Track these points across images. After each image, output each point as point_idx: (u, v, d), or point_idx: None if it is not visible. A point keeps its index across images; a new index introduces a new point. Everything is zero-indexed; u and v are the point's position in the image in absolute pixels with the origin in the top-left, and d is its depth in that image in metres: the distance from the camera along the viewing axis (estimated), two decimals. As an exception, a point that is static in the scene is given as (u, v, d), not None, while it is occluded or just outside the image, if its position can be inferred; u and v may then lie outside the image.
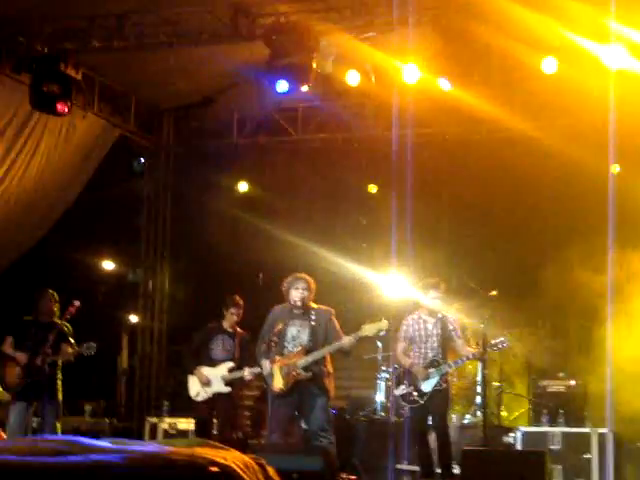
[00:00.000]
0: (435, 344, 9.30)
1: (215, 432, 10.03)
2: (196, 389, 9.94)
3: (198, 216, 14.07)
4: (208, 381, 9.89)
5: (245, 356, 9.92)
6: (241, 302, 10.14)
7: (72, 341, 9.82)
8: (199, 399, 9.94)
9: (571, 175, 12.03)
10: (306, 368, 8.78)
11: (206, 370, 9.92)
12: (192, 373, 9.97)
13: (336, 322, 8.98)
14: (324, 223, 13.60)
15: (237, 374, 9.89)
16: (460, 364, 9.38)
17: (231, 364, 9.94)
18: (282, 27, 10.31)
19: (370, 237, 13.30)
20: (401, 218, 11.98)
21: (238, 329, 10.14)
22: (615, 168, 11.34)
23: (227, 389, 9.91)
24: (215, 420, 10.07)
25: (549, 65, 10.74)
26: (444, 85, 11.54)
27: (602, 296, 10.35)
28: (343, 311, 9.92)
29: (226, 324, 10.11)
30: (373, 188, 13.66)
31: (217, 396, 9.91)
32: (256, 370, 9.59)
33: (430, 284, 9.51)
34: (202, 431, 9.85)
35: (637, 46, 10.17)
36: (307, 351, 8.80)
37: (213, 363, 9.97)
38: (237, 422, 10.86)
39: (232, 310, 10.08)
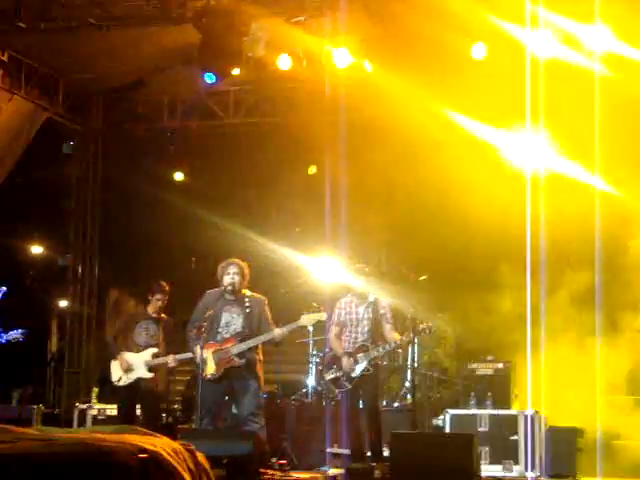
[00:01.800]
0: (366, 328, 9.35)
1: (140, 417, 10.01)
2: (118, 374, 9.88)
3: (128, 200, 13.95)
4: (130, 367, 9.82)
5: (169, 342, 9.89)
6: (167, 288, 10.07)
7: None
8: (121, 384, 9.88)
9: (499, 160, 12.17)
10: (239, 355, 8.79)
11: (129, 356, 9.84)
12: (114, 358, 9.91)
13: (268, 311, 8.99)
14: (258, 208, 13.59)
15: (161, 360, 9.83)
16: (388, 350, 9.43)
17: (155, 350, 9.87)
18: (212, 10, 10.25)
19: (304, 222, 13.31)
20: (334, 203, 12.02)
21: (163, 315, 10.08)
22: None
23: (150, 375, 9.83)
24: (138, 405, 10.02)
25: (478, 51, 10.83)
26: (367, 67, 11.50)
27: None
28: (277, 296, 9.94)
29: (151, 310, 10.03)
30: (313, 169, 13.61)
31: (139, 381, 9.85)
32: (181, 356, 9.58)
33: (358, 269, 9.58)
34: (126, 417, 9.79)
35: (564, 32, 10.31)
36: (240, 338, 8.80)
37: (137, 349, 9.91)
38: (159, 408, 10.83)
39: (158, 296, 10.02)
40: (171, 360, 9.72)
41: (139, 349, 9.88)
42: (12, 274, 11.99)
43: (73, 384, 13.48)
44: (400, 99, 11.96)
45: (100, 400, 11.65)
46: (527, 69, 10.42)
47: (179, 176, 14.14)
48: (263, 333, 8.81)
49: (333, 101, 12.13)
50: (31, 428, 5.91)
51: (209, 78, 10.96)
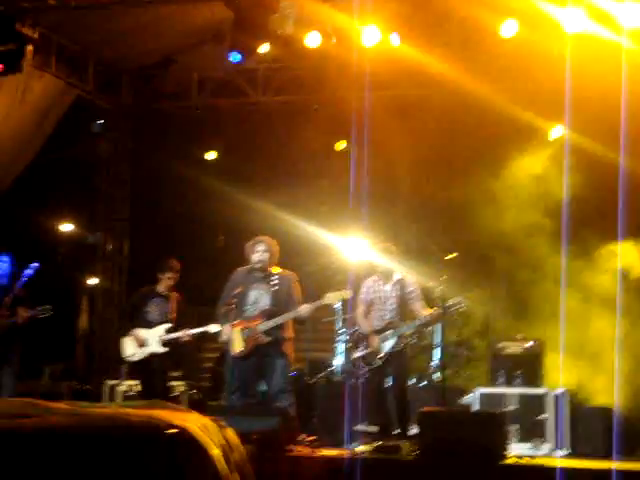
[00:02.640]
0: (393, 306, 9.35)
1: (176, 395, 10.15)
2: (132, 350, 10.02)
3: (158, 178, 13.99)
4: (144, 342, 9.96)
5: (181, 318, 10.01)
6: (177, 266, 10.20)
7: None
8: (135, 359, 10.03)
9: (529, 137, 12.09)
10: (267, 332, 8.82)
11: (142, 332, 9.99)
12: (126, 335, 10.04)
13: (297, 288, 9.01)
14: (285, 186, 13.56)
15: (175, 335, 9.97)
16: (417, 325, 9.43)
17: (168, 325, 10.01)
18: (242, -13, 10.22)
19: (331, 199, 13.29)
20: (361, 181, 11.98)
21: (174, 292, 10.20)
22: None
23: (163, 349, 9.99)
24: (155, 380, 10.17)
25: (508, 28, 10.75)
26: (394, 40, 11.39)
27: (558, 260, 10.46)
28: (303, 274, 9.92)
29: (160, 287, 10.18)
30: (342, 144, 13.53)
31: (153, 356, 9.98)
32: (193, 331, 9.73)
33: (384, 248, 9.57)
34: (146, 390, 9.95)
35: (595, 9, 10.20)
36: (268, 316, 8.82)
37: (149, 325, 10.05)
38: (193, 384, 10.97)
39: (168, 274, 10.18)
40: (183, 334, 9.86)
41: (152, 325, 10.02)
42: (43, 251, 12.06)
43: (103, 361, 13.58)
44: (429, 77, 11.91)
45: (132, 376, 11.76)
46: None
47: (208, 154, 14.13)
48: (290, 310, 8.83)
49: (361, 79, 12.08)
50: (61, 403, 5.97)
51: (234, 58, 10.99)
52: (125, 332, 10.08)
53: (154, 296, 10.18)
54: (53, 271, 12.22)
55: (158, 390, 9.94)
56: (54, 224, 14.12)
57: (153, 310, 10.13)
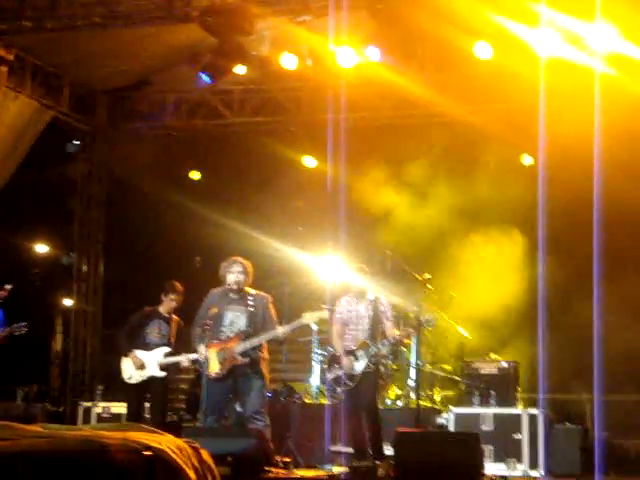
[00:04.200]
0: (366, 326, 9.35)
1: (147, 416, 10.02)
2: (129, 372, 9.89)
3: (133, 199, 13.97)
4: (142, 365, 9.85)
5: (181, 342, 9.90)
6: (181, 288, 10.10)
7: None
8: (132, 382, 9.90)
9: (505, 158, 12.20)
10: (243, 353, 8.80)
11: (141, 354, 9.88)
12: (126, 356, 9.92)
13: (273, 309, 9.01)
14: (261, 207, 13.60)
15: (173, 359, 9.86)
16: (388, 345, 9.43)
17: (167, 349, 9.91)
18: (218, 9, 10.27)
19: (306, 221, 13.32)
20: (336, 201, 12.02)
21: (174, 315, 10.11)
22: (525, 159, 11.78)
23: (162, 374, 9.88)
24: (148, 404, 10.05)
25: (482, 50, 10.84)
26: (373, 55, 11.42)
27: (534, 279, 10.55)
28: (281, 295, 9.94)
29: (163, 309, 10.06)
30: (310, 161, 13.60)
31: (151, 380, 9.88)
32: (193, 356, 9.56)
33: (358, 268, 9.60)
34: (134, 415, 9.81)
35: (567, 32, 10.31)
36: (245, 337, 8.81)
37: (148, 347, 9.93)
38: (168, 407, 10.85)
39: (171, 296, 10.05)
40: (184, 359, 9.73)
41: (151, 348, 9.91)
42: (18, 272, 12.01)
43: (77, 382, 13.51)
44: (405, 98, 11.98)
45: (107, 398, 11.68)
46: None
47: (183, 175, 14.14)
48: (267, 331, 8.82)
49: (336, 100, 12.13)
50: (35, 425, 5.93)
51: (204, 79, 11.05)
52: (125, 352, 9.95)
53: (155, 317, 10.05)
54: (28, 292, 12.17)
55: (156, 414, 9.84)
56: (29, 245, 14.07)
57: (153, 332, 10.01)
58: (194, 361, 9.53)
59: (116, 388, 10.74)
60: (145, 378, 9.87)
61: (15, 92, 12.16)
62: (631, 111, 10.53)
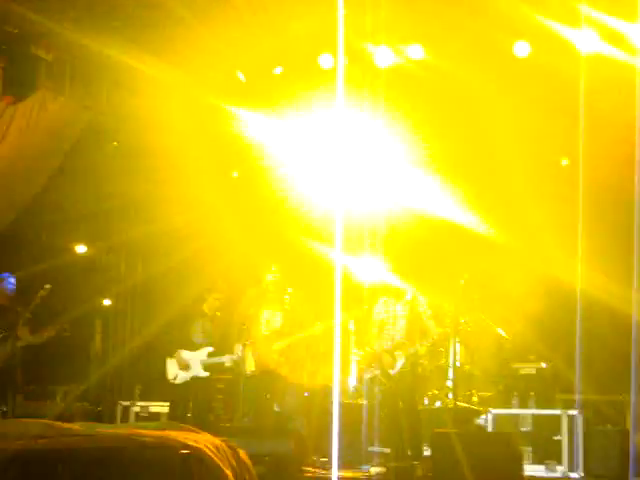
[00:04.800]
0: (404, 326, 9.33)
1: (190, 416, 10.04)
2: (174, 372, 9.92)
3: (174, 198, 13.97)
4: (187, 365, 9.87)
5: (224, 342, 9.89)
6: (224, 287, 10.12)
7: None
8: (177, 382, 9.92)
9: (543, 157, 12.09)
10: (280, 352, 8.81)
11: (185, 354, 9.90)
12: (171, 357, 9.94)
13: (309, 307, 9.01)
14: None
15: (217, 359, 9.87)
16: (428, 345, 9.40)
17: (210, 349, 9.91)
18: None
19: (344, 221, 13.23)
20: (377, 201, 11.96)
21: (218, 313, 10.10)
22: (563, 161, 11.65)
23: (205, 373, 9.89)
24: (191, 404, 10.07)
25: (521, 48, 10.76)
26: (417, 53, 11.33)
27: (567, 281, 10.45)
28: (316, 295, 9.90)
29: (207, 308, 10.07)
30: None
31: (195, 380, 9.90)
32: (236, 356, 9.56)
33: (396, 269, 9.58)
34: (177, 414, 9.84)
35: (608, 30, 10.20)
36: (280, 336, 8.82)
37: (193, 347, 9.94)
38: (212, 406, 10.86)
39: (215, 295, 10.06)
40: (227, 359, 9.72)
41: (195, 347, 9.91)
42: (57, 273, 12.07)
43: (116, 382, 13.56)
44: (444, 94, 11.89)
45: (147, 398, 11.72)
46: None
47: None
48: (305, 329, 8.83)
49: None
50: (75, 424, 5.97)
51: None
52: (170, 352, 9.96)
53: (200, 316, 10.06)
54: (67, 293, 12.23)
55: (198, 414, 9.84)
56: (68, 245, 14.13)
57: (198, 331, 10.02)
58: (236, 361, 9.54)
59: (156, 389, 10.76)
60: (189, 378, 9.89)
61: (54, 93, 12.21)
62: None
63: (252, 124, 11.79)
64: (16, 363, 9.78)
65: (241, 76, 11.47)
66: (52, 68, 11.39)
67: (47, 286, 9.78)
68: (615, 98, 10.48)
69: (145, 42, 11.44)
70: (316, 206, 13.45)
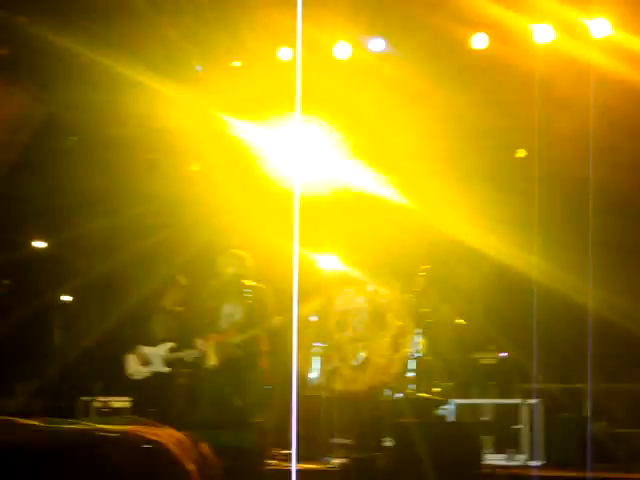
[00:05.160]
0: (366, 318, 9.36)
1: (152, 410, 9.99)
2: (134, 367, 9.87)
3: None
4: (148, 360, 9.83)
5: (186, 336, 9.84)
6: (183, 281, 10.07)
7: None
8: (138, 377, 9.87)
9: (503, 151, 12.16)
10: (241, 346, 8.79)
11: (146, 349, 9.85)
12: (131, 352, 9.89)
13: (272, 300, 8.99)
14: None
15: (178, 354, 9.83)
16: (387, 336, 9.43)
17: (171, 344, 9.87)
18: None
19: (306, 213, 13.23)
20: (339, 198, 11.99)
21: (178, 308, 10.06)
22: (521, 152, 11.71)
23: (166, 369, 9.85)
24: (152, 399, 10.02)
25: (479, 40, 10.80)
26: (377, 46, 11.29)
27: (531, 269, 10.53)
28: (278, 287, 9.89)
29: (167, 302, 10.02)
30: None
31: (156, 375, 9.85)
32: (197, 351, 9.52)
33: (357, 261, 9.61)
34: (139, 409, 9.78)
35: (565, 22, 10.29)
36: (241, 329, 8.80)
37: (153, 342, 9.89)
38: (174, 400, 10.82)
39: (174, 289, 10.01)
40: (189, 355, 9.66)
41: (156, 342, 9.87)
42: (14, 268, 11.97)
43: (76, 378, 13.47)
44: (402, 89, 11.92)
45: (108, 393, 11.65)
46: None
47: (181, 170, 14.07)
48: (263, 323, 8.81)
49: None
50: (34, 420, 5.92)
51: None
52: (129, 348, 9.90)
53: (159, 311, 10.00)
54: (24, 288, 12.13)
55: (159, 409, 9.76)
56: (26, 241, 14.01)
57: (158, 326, 9.96)
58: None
59: (117, 383, 10.70)
60: (149, 374, 9.84)
61: (9, 88, 12.10)
62: (628, 101, 10.51)
63: (211, 117, 11.77)
64: None
65: (199, 68, 11.42)
66: (7, 62, 11.28)
67: (4, 281, 9.66)
68: (571, 89, 10.58)
69: (103, 35, 11.39)
70: (275, 198, 13.50)
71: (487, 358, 10.50)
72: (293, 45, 10.84)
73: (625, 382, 10.36)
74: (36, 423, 5.74)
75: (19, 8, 10.74)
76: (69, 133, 13.21)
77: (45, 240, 13.86)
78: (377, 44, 11.26)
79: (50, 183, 12.73)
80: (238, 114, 11.75)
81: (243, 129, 11.75)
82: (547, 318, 10.27)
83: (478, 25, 10.72)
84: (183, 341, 9.78)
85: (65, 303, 14.04)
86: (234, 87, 11.67)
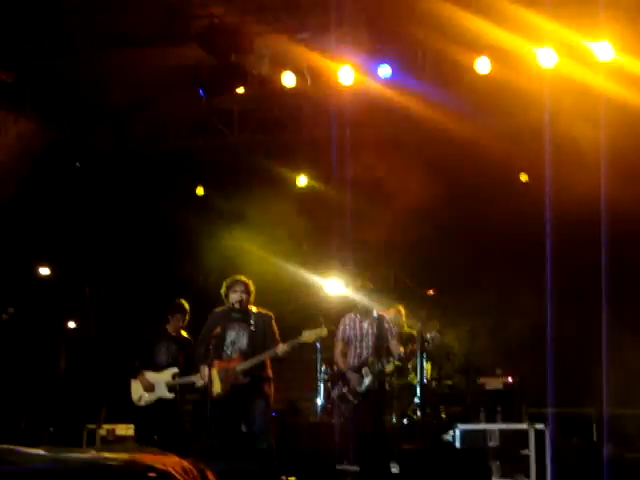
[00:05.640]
0: (370, 343, 9.33)
1: (156, 438, 9.95)
2: (139, 394, 9.83)
3: (136, 219, 13.97)
4: (151, 386, 9.80)
5: (190, 362, 9.79)
6: (186, 307, 10.05)
7: None
8: (141, 404, 9.83)
9: (507, 175, 12.16)
10: (245, 373, 8.75)
11: (150, 375, 9.82)
12: (134, 377, 9.86)
13: (275, 327, 8.96)
14: (264, 225, 13.56)
15: (182, 380, 9.79)
16: (394, 362, 9.40)
17: (175, 370, 9.84)
18: (217, 29, 10.29)
19: (309, 239, 13.29)
20: (341, 219, 12.01)
21: (183, 334, 10.05)
22: (524, 176, 11.70)
23: (170, 395, 9.81)
24: (157, 425, 9.97)
25: (483, 65, 10.79)
26: (384, 72, 11.23)
27: (540, 295, 10.51)
28: (283, 313, 9.88)
29: (170, 329, 10.01)
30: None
31: (160, 402, 9.81)
32: (202, 377, 9.46)
33: (362, 286, 9.58)
34: (143, 437, 9.74)
35: (570, 46, 10.29)
36: (246, 356, 8.76)
37: (157, 368, 9.86)
38: (178, 428, 10.77)
39: (177, 315, 9.99)
40: (193, 381, 9.57)
41: (159, 369, 9.83)
42: (21, 295, 11.97)
43: (82, 405, 13.44)
44: (406, 113, 11.94)
45: (113, 420, 11.61)
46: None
47: (186, 194, 14.12)
48: (268, 350, 8.77)
49: (339, 117, 12.13)
50: (40, 449, 5.89)
51: (201, 92, 10.99)
52: (133, 373, 9.86)
53: (163, 337, 9.97)
54: (31, 315, 12.13)
55: (164, 436, 9.71)
56: (31, 268, 14.02)
57: (162, 352, 9.93)
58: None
59: (122, 411, 10.66)
60: (154, 400, 9.80)
61: (15, 114, 12.16)
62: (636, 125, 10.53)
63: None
64: None
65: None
66: (12, 90, 11.35)
67: (10, 309, 9.64)
68: (577, 115, 10.59)
69: (109, 63, 11.47)
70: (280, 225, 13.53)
71: (493, 382, 10.45)
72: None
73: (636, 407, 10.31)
74: (41, 452, 5.71)
75: (24, 37, 10.82)
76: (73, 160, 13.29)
77: (52, 267, 13.88)
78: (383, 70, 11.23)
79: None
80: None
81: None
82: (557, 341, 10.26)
83: (481, 49, 10.73)
84: (187, 367, 9.73)
85: (71, 330, 14.06)
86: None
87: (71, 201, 14.12)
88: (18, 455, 5.49)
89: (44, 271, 14.23)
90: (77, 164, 14.09)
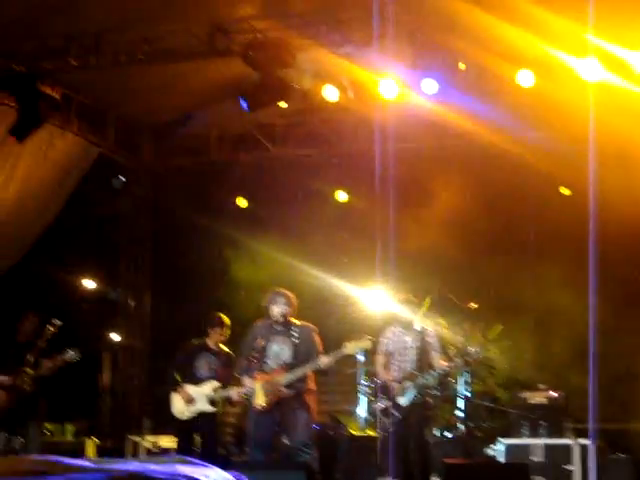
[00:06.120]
0: (413, 357, 9.31)
1: (198, 450, 9.99)
2: (180, 407, 9.88)
3: (179, 233, 14.07)
4: (192, 400, 9.85)
5: (230, 375, 9.84)
6: (227, 321, 10.10)
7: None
8: (183, 417, 9.89)
9: (551, 189, 12.10)
10: (288, 385, 8.77)
11: (190, 389, 9.88)
12: (175, 391, 9.92)
13: (318, 339, 8.98)
14: (305, 238, 13.60)
15: (222, 393, 9.84)
16: (436, 376, 9.36)
17: (216, 383, 9.88)
18: (260, 43, 10.36)
19: (351, 251, 13.31)
20: (383, 232, 11.99)
21: (223, 348, 10.09)
22: (566, 190, 11.59)
23: (211, 408, 9.86)
24: (198, 438, 10.02)
25: (525, 78, 10.74)
26: (430, 87, 11.13)
27: (583, 310, 10.41)
28: (326, 325, 9.91)
29: (211, 342, 10.06)
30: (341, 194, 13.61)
31: (201, 415, 9.86)
32: (244, 390, 9.49)
33: (405, 299, 9.56)
34: (185, 449, 9.78)
35: (614, 59, 10.22)
36: (289, 368, 8.78)
37: (197, 381, 9.92)
38: (220, 440, 10.81)
39: (217, 329, 10.04)
40: (234, 393, 9.62)
41: (200, 382, 9.89)
42: (66, 308, 12.10)
43: (126, 417, 13.55)
44: (449, 128, 11.94)
45: (157, 432, 11.68)
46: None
47: (229, 208, 14.22)
48: (310, 362, 8.79)
49: (382, 132, 12.13)
50: (83, 460, 5.93)
51: (244, 105, 11.01)
52: (175, 388, 9.94)
53: (204, 351, 10.04)
54: (76, 328, 12.24)
55: (206, 449, 9.76)
56: (77, 280, 14.17)
57: (202, 366, 9.99)
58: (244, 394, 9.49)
59: (166, 423, 10.72)
60: (195, 413, 9.85)
61: (62, 130, 12.32)
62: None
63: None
64: (38, 394, 9.72)
65: None
66: (59, 105, 11.49)
67: (56, 322, 9.74)
68: (622, 126, 10.50)
69: (152, 79, 11.58)
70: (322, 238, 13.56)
71: (537, 397, 10.37)
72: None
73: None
74: (87, 462, 5.75)
75: (69, 52, 10.97)
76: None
77: (96, 280, 14.01)
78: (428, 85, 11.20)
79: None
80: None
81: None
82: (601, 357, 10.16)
83: (524, 62, 10.69)
84: (227, 381, 9.77)
85: (115, 342, 14.17)
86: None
87: (116, 214, 14.28)
88: (64, 466, 5.53)
89: (89, 284, 14.38)
90: (122, 178, 14.24)
